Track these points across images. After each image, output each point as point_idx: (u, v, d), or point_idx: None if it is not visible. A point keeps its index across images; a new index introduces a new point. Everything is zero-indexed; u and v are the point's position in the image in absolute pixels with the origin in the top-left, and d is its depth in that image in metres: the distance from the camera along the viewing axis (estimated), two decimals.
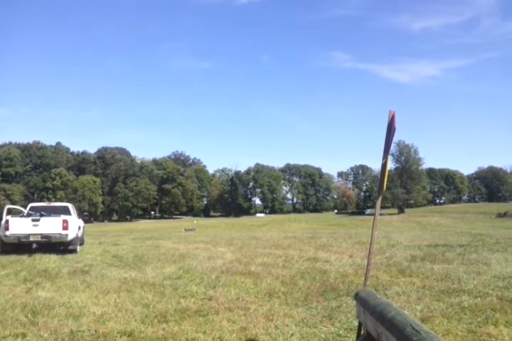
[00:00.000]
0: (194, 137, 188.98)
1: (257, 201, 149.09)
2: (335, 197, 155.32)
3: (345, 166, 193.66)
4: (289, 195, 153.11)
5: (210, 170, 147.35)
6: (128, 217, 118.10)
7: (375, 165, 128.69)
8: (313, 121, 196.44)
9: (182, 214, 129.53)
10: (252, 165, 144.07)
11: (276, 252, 12.81)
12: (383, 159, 3.86)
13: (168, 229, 60.59)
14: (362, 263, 9.93)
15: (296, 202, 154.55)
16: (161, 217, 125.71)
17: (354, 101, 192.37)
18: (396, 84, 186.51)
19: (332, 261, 10.51)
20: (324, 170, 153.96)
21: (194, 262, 10.69)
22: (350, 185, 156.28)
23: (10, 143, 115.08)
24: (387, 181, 4.11)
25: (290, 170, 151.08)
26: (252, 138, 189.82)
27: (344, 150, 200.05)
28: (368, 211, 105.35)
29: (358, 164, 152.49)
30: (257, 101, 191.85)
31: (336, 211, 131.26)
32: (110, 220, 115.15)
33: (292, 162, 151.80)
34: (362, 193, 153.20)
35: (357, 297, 3.55)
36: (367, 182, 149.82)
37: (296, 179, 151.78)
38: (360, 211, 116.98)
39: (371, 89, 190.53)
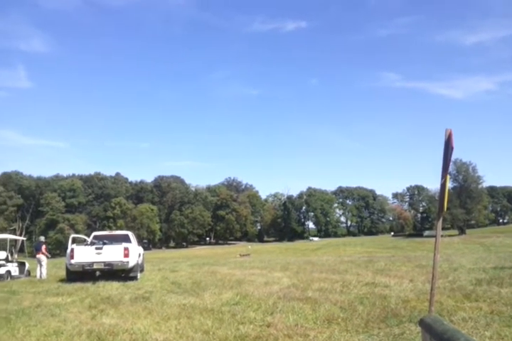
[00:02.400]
0: (246, 163, 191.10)
1: (311, 225, 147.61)
2: (390, 218, 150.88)
3: (400, 187, 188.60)
4: (342, 218, 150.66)
5: (263, 195, 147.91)
6: (184, 244, 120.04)
7: (432, 185, 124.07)
8: (364, 143, 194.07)
9: (236, 239, 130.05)
10: (304, 188, 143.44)
11: (333, 277, 12.58)
12: (442, 179, 3.80)
13: (224, 254, 60.96)
14: (424, 287, 9.55)
15: (351, 225, 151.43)
16: (216, 243, 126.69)
17: (406, 120, 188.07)
18: (449, 101, 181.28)
19: (392, 286, 10.18)
20: (378, 192, 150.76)
21: (251, 288, 10.69)
22: (406, 206, 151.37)
23: (73, 175, 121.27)
24: (447, 201, 4.02)
25: (342, 192, 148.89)
26: (304, 161, 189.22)
27: (398, 171, 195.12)
28: (427, 232, 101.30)
29: (413, 184, 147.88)
30: (307, 125, 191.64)
31: (392, 233, 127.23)
32: (167, 247, 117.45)
33: (344, 184, 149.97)
34: (419, 214, 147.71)
35: (422, 323, 3.45)
36: (423, 203, 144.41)
37: (349, 202, 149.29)
38: (418, 233, 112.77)
39: (423, 108, 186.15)
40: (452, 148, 3.79)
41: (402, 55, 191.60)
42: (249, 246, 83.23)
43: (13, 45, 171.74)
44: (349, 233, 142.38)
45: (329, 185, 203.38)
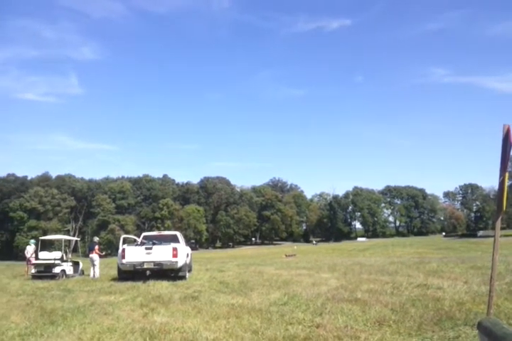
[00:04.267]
0: (291, 163, 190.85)
1: (358, 225, 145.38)
2: (441, 218, 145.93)
3: (451, 186, 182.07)
4: (390, 218, 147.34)
5: (308, 195, 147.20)
6: (230, 244, 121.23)
7: (486, 184, 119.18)
8: (414, 141, 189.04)
9: (282, 239, 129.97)
10: (350, 188, 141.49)
11: (383, 278, 12.30)
12: (500, 177, 3.62)
13: (269, 255, 61.02)
14: (479, 289, 9.17)
15: (399, 225, 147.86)
16: (262, 243, 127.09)
17: (458, 116, 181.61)
18: (506, 95, 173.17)
19: (445, 288, 9.82)
20: (428, 191, 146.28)
21: (298, 288, 10.62)
22: (458, 205, 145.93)
23: (122, 177, 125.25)
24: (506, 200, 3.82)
25: (391, 192, 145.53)
26: (349, 161, 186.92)
27: (450, 170, 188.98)
28: (481, 233, 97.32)
29: (466, 183, 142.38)
30: (354, 124, 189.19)
31: (443, 234, 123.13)
32: (214, 247, 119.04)
33: (392, 184, 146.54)
34: (472, 214, 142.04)
35: (480, 326, 3.29)
36: (477, 202, 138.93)
37: (397, 201, 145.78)
38: (471, 233, 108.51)
39: (477, 103, 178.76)
40: (511, 145, 3.60)
41: (451, 50, 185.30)
42: (295, 247, 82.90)
43: (65, 54, 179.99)
44: (398, 233, 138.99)
45: (376, 185, 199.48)
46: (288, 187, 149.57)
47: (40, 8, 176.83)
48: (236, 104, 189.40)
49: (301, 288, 10.59)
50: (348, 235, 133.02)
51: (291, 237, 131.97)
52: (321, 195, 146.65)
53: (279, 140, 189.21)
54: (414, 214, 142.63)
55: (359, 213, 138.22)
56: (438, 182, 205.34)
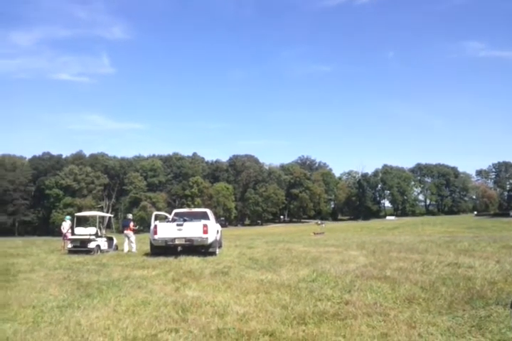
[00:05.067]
0: (319, 141, 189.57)
1: (387, 203, 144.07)
2: (473, 197, 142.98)
3: (484, 164, 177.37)
4: (420, 197, 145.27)
5: (337, 173, 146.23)
6: (259, 221, 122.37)
7: None
8: (445, 118, 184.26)
9: (310, 217, 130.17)
10: (379, 166, 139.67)
11: (412, 257, 12.23)
12: None
13: (297, 232, 61.37)
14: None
15: (430, 204, 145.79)
16: (290, 221, 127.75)
17: (493, 92, 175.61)
18: None
19: (476, 267, 9.70)
20: (460, 169, 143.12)
21: (327, 265, 10.68)
22: (491, 184, 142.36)
23: (153, 155, 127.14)
24: None
25: (421, 170, 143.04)
26: (379, 138, 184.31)
27: (483, 147, 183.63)
28: None
29: (500, 161, 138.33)
30: (384, 100, 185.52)
31: (475, 213, 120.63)
32: (243, 224, 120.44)
33: (423, 161, 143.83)
34: (505, 193, 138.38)
35: None
36: (511, 181, 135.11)
37: (428, 179, 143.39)
38: (504, 212, 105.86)
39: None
40: None
41: (489, 22, 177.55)
42: (323, 225, 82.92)
43: (97, 34, 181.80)
44: (428, 212, 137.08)
45: (406, 163, 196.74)
46: (316, 165, 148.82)
47: None
48: (263, 82, 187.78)
49: (330, 265, 10.64)
50: (377, 214, 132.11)
51: (320, 215, 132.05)
52: (349, 173, 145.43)
53: (308, 117, 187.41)
54: (445, 192, 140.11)
55: (388, 191, 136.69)
56: (470, 160, 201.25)
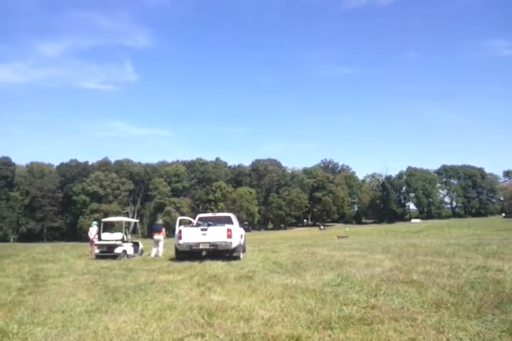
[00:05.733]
0: (342, 144, 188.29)
1: (412, 206, 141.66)
2: (501, 199, 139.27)
3: None
4: (446, 199, 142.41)
5: (360, 176, 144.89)
6: (282, 225, 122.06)
7: None
8: (471, 118, 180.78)
9: (334, 221, 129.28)
10: (403, 168, 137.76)
11: (439, 260, 12.01)
12: None
13: (321, 236, 60.94)
14: None
15: (456, 206, 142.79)
16: (314, 225, 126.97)
17: None
18: None
19: (506, 270, 9.46)
20: (487, 170, 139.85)
21: (352, 269, 10.58)
22: None
23: (177, 161, 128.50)
24: None
25: (446, 171, 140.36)
26: (402, 140, 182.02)
27: (511, 147, 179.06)
28: None
29: None
30: (407, 101, 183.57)
31: (503, 214, 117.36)
32: (266, 228, 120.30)
33: (448, 163, 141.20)
34: None
35: None
36: None
37: (454, 181, 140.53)
38: None
39: None
40: None
41: (510, 19, 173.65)
42: (347, 228, 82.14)
43: (121, 42, 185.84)
44: (454, 214, 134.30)
45: (431, 164, 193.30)
46: (339, 168, 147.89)
47: None
48: (285, 86, 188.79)
49: (355, 269, 10.54)
50: (402, 216, 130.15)
51: (343, 219, 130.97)
52: (373, 176, 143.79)
53: (330, 121, 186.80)
54: (472, 194, 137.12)
55: (413, 194, 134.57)
56: (498, 160, 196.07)
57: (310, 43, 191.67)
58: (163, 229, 18.62)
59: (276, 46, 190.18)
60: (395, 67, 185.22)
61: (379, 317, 5.90)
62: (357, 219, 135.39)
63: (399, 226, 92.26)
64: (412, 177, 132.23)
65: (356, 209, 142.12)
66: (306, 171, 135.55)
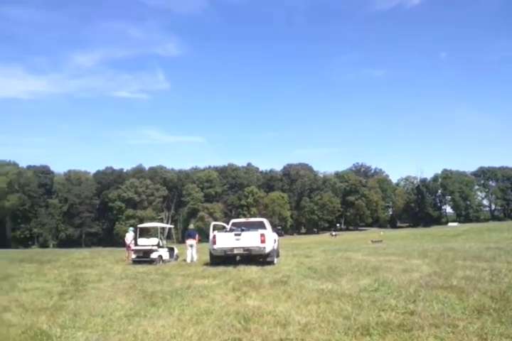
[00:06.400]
0: (374, 147, 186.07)
1: (448, 209, 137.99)
2: None
3: None
4: (485, 202, 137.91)
5: (393, 179, 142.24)
6: (315, 230, 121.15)
7: None
8: (505, 118, 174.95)
9: (367, 225, 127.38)
10: (438, 171, 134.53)
11: (479, 265, 11.67)
12: None
13: (355, 241, 60.04)
14: None
15: (495, 209, 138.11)
16: (347, 229, 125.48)
17: None
18: None
19: None
20: None
21: (389, 275, 10.41)
22: None
23: (209, 167, 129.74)
24: None
25: (484, 173, 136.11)
26: (436, 142, 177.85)
27: None
28: None
29: None
30: (440, 103, 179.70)
31: None
32: (299, 233, 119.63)
33: (486, 165, 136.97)
34: None
35: None
36: None
37: (492, 183, 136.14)
38: None
39: None
40: None
41: None
42: (382, 232, 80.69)
43: (152, 51, 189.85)
44: (493, 217, 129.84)
45: (468, 166, 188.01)
46: (372, 171, 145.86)
47: (127, 9, 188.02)
48: (315, 91, 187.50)
49: (392, 275, 10.37)
50: (438, 220, 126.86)
51: (377, 223, 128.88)
52: (407, 179, 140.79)
53: (361, 124, 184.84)
54: (511, 196, 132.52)
55: (449, 197, 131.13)
56: None
57: (337, 47, 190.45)
58: (197, 235, 18.81)
59: (304, 52, 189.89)
60: (425, 67, 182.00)
61: (419, 324, 5.78)
62: (391, 223, 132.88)
63: (435, 230, 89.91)
64: (448, 179, 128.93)
65: (390, 212, 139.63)
66: (338, 175, 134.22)
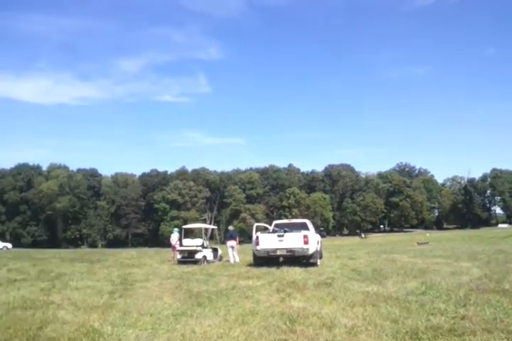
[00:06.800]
0: (418, 146, 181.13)
1: (498, 210, 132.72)
2: None
3: None
4: None
5: (439, 179, 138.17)
6: (358, 231, 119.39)
7: None
8: None
9: (412, 227, 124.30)
10: (487, 170, 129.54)
11: None
12: None
13: (400, 242, 58.76)
14: None
15: None
16: (391, 231, 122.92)
17: None
18: None
19: None
20: None
21: (437, 277, 10.15)
22: None
23: (251, 168, 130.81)
24: None
25: None
26: (486, 141, 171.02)
27: None
28: None
29: None
30: (487, 100, 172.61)
31: None
32: (341, 234, 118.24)
33: None
34: None
35: None
36: None
37: None
38: None
39: None
40: None
41: None
42: (427, 234, 78.63)
43: (194, 55, 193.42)
44: None
45: None
46: (416, 171, 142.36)
47: (169, 15, 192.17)
48: (356, 90, 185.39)
49: (440, 278, 10.10)
50: (487, 221, 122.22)
51: (423, 224, 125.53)
52: (453, 179, 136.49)
53: (404, 123, 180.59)
54: None
55: (499, 197, 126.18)
56: None
57: (378, 45, 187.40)
58: (237, 236, 18.96)
59: (344, 51, 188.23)
60: (471, 63, 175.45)
61: (470, 329, 5.60)
62: (437, 225, 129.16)
63: (484, 231, 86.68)
64: (497, 179, 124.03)
65: (436, 214, 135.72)
66: (381, 175, 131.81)
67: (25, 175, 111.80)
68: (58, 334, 5.94)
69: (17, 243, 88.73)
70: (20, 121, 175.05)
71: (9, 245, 66.49)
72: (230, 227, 21.08)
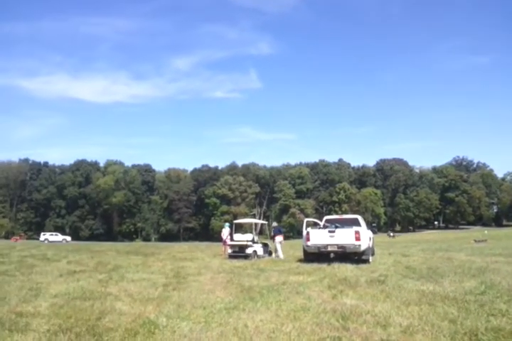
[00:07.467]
0: (476, 139, 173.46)
1: None
2: None
3: None
4: None
5: (499, 173, 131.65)
6: (411, 228, 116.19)
7: None
8: None
9: (469, 223, 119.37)
10: None
11: None
12: None
13: (455, 240, 56.59)
14: None
15: None
16: (446, 227, 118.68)
17: None
18: None
19: None
20: None
21: (497, 277, 9.72)
22: None
23: (300, 163, 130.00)
24: None
25: None
26: None
27: None
28: None
29: None
30: None
31: None
32: (393, 231, 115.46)
33: None
34: None
35: None
36: None
37: None
38: None
39: None
40: None
41: None
42: (486, 231, 75.23)
43: (245, 51, 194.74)
44: None
45: None
46: (474, 165, 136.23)
47: (221, 12, 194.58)
48: (411, 82, 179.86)
49: (500, 277, 9.66)
50: None
51: (481, 221, 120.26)
52: None
53: (461, 116, 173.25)
54: None
55: None
56: None
57: (437, 34, 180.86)
58: (282, 232, 19.03)
59: (403, 41, 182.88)
60: None
61: None
62: (496, 222, 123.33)
63: None
64: None
65: (495, 210, 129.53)
66: (435, 170, 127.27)
67: (84, 171, 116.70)
68: (116, 324, 6.16)
69: (76, 236, 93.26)
70: (79, 118, 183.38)
71: (68, 238, 69.93)
72: (275, 224, 21.10)
